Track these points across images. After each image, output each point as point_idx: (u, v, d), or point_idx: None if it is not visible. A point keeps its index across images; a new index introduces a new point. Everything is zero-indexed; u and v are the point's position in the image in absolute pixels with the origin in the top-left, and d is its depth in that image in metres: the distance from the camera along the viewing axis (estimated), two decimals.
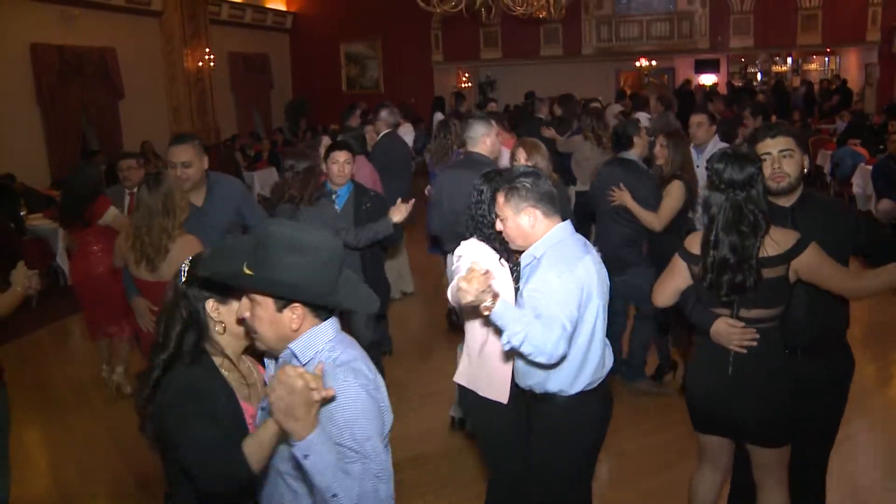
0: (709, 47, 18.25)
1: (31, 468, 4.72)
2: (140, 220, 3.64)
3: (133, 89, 13.12)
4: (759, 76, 21.39)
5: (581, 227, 3.54)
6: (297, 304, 1.86)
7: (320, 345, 1.90)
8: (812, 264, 2.69)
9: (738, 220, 2.66)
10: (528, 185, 2.66)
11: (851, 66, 19.22)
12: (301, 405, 1.65)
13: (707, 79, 19.67)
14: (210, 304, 2.06)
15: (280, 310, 1.87)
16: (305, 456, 1.68)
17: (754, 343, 2.73)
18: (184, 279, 2.06)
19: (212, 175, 4.14)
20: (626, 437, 4.35)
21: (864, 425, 4.54)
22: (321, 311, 1.91)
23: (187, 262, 2.10)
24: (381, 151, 6.53)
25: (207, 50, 14.63)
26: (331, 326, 1.93)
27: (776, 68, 21.42)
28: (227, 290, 2.03)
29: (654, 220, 4.65)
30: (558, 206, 2.73)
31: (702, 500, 3.09)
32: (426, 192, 5.78)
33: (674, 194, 4.63)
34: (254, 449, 1.82)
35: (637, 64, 19.90)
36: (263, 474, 2.00)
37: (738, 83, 19.32)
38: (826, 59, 20.76)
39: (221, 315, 2.06)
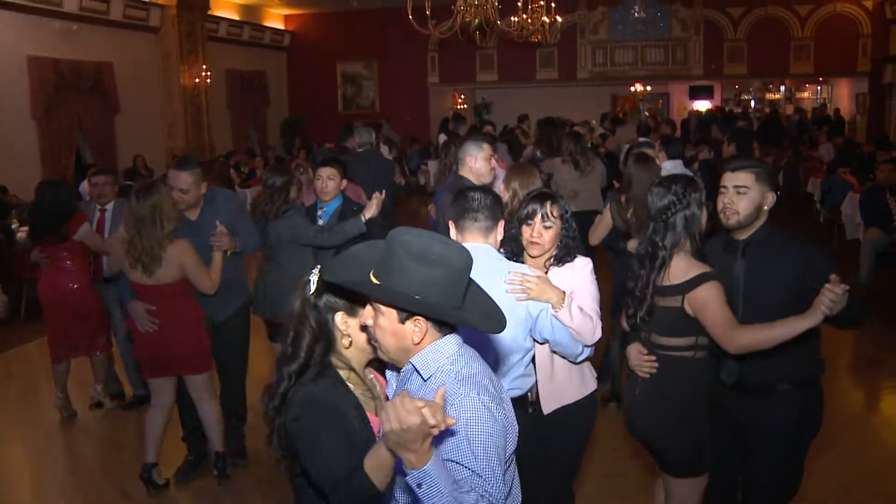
0: (703, 74, 18.44)
1: (14, 481, 4.69)
2: (132, 229, 3.84)
3: (129, 104, 13.15)
4: (752, 103, 21.60)
5: None
6: (419, 317, 1.78)
7: (442, 360, 1.80)
8: (699, 302, 2.61)
9: (645, 250, 2.72)
10: (457, 201, 2.63)
11: (843, 95, 19.48)
12: (416, 440, 1.55)
13: (701, 105, 19.87)
14: (339, 317, 2.00)
15: (402, 321, 1.78)
16: (419, 485, 1.60)
17: (653, 370, 2.75)
18: (313, 290, 2.01)
19: (209, 191, 4.31)
20: (606, 459, 4.35)
21: (844, 452, 4.54)
22: (444, 325, 1.83)
23: (316, 272, 2.03)
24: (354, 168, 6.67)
25: (204, 67, 14.68)
26: (453, 341, 1.84)
27: (770, 96, 21.64)
28: (356, 302, 1.99)
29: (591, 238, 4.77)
30: (489, 228, 2.62)
31: None
32: (429, 209, 5.90)
33: (603, 216, 4.73)
34: (374, 467, 1.71)
35: (632, 89, 20.06)
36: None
37: (727, 108, 19.49)
38: (819, 87, 20.99)
39: (350, 328, 2.01)
